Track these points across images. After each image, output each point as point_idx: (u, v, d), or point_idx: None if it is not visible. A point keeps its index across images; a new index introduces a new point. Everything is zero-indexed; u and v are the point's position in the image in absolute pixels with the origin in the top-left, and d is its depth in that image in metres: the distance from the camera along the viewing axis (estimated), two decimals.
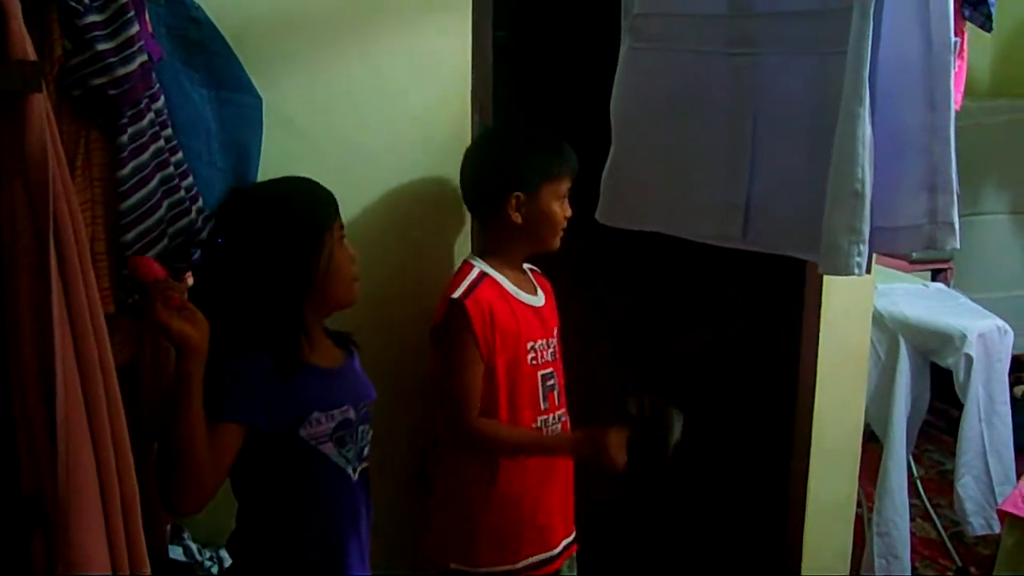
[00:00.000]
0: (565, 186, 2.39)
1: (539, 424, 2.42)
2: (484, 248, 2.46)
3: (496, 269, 2.40)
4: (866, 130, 1.57)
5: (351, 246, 2.00)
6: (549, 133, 2.44)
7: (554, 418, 2.45)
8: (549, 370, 2.44)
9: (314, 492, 1.94)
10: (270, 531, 1.95)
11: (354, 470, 1.99)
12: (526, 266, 2.52)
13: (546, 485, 2.45)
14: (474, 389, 2.33)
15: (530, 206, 2.38)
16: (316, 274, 1.92)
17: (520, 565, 2.43)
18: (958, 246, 1.72)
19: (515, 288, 2.42)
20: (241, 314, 1.90)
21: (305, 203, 1.98)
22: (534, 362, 2.40)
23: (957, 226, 1.69)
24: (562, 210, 2.39)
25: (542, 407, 2.42)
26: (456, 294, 2.32)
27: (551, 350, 2.45)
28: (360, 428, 2.01)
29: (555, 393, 2.46)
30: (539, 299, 2.47)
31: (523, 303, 2.42)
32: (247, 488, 1.95)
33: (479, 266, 2.40)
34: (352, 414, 1.98)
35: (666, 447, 2.43)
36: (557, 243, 2.44)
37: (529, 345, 2.39)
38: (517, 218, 2.38)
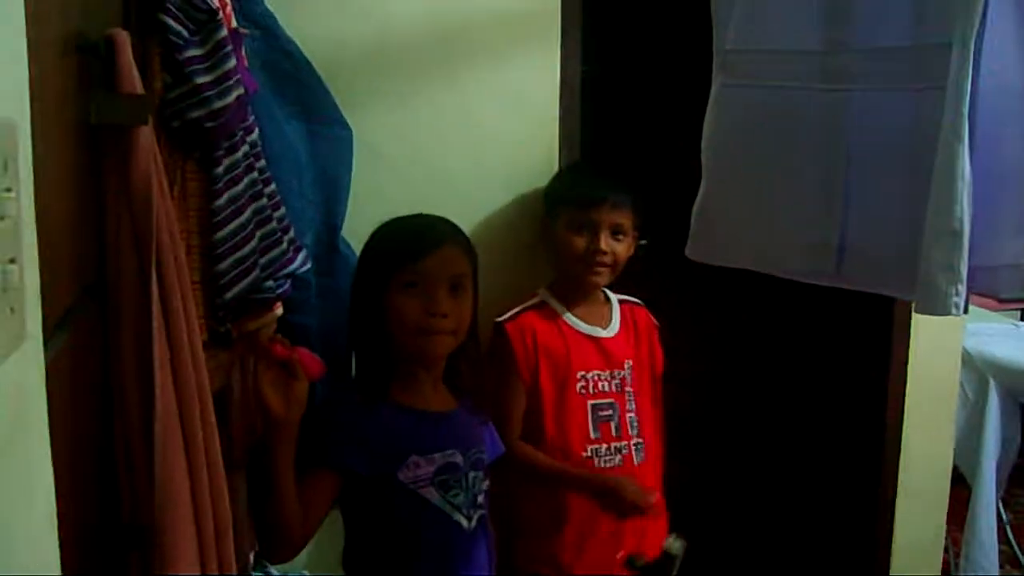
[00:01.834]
0: (584, 216, 2.38)
1: (589, 453, 2.42)
2: (553, 277, 2.50)
3: (557, 297, 2.44)
4: (965, 167, 1.54)
5: (448, 299, 1.93)
6: (596, 162, 2.46)
7: (609, 449, 2.44)
8: (607, 401, 2.43)
9: (420, 538, 1.92)
10: (388, 552, 1.93)
11: (468, 518, 1.95)
12: (620, 297, 2.52)
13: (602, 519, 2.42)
14: (514, 410, 2.38)
15: (551, 232, 2.44)
16: (384, 320, 1.93)
17: None
18: None
19: (574, 317, 2.44)
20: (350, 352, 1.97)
21: (379, 248, 2.00)
22: (583, 391, 2.41)
23: None
24: (590, 242, 2.38)
25: (592, 436, 2.42)
26: (501, 318, 2.39)
27: (616, 382, 2.45)
28: (471, 475, 1.98)
29: (612, 424, 2.44)
30: (608, 331, 2.47)
31: (578, 332, 2.44)
32: (352, 533, 1.95)
33: (541, 295, 2.46)
34: (459, 459, 1.96)
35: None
36: (587, 276, 2.43)
37: (580, 374, 2.40)
38: (543, 243, 2.45)
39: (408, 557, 1.92)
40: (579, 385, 2.40)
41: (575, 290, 2.47)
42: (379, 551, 1.93)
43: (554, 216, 2.43)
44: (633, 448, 2.45)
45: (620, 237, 2.42)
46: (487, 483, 2.05)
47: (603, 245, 2.39)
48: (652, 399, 2.54)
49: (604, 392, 2.43)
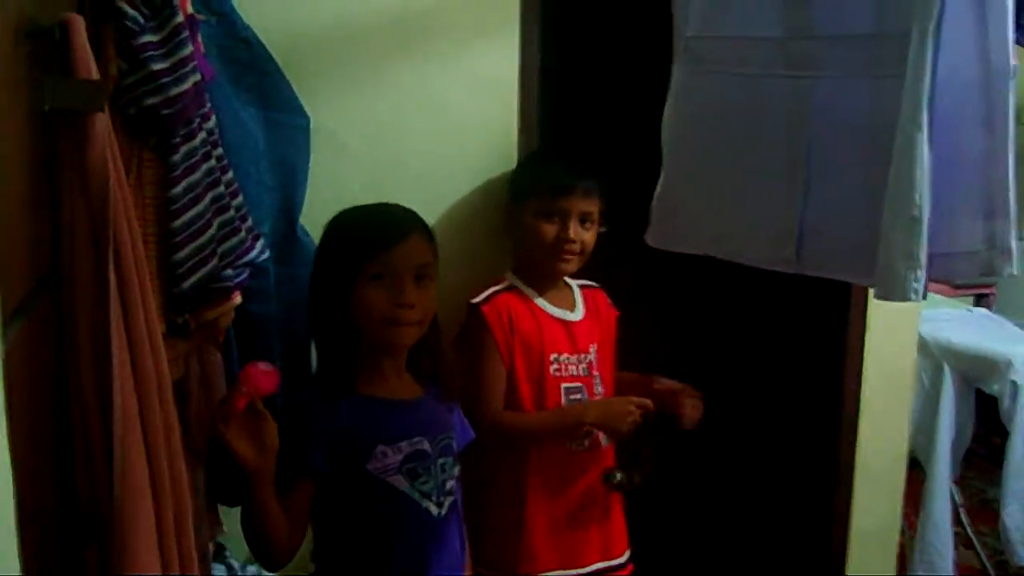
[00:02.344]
0: (553, 204, 2.39)
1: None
2: (516, 260, 2.51)
3: (524, 281, 2.45)
4: (924, 154, 1.55)
5: (414, 290, 1.92)
6: (562, 150, 2.46)
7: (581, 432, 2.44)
8: (577, 384, 2.44)
9: (390, 526, 1.92)
10: (349, 568, 1.94)
11: (438, 505, 1.96)
12: (580, 282, 2.54)
13: (568, 498, 2.45)
14: (495, 385, 2.38)
15: (516, 219, 2.44)
16: (351, 312, 1.92)
17: None
18: (1015, 272, 1.70)
19: (542, 300, 2.45)
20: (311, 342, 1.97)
21: (343, 238, 1.98)
22: (557, 374, 2.42)
23: (1015, 252, 1.67)
24: (559, 230, 2.39)
25: None
26: (476, 300, 2.39)
27: (583, 365, 2.46)
28: (440, 461, 1.98)
29: None
30: (575, 315, 2.49)
31: (549, 315, 2.45)
32: (322, 526, 1.94)
33: (509, 279, 2.46)
34: (427, 446, 1.96)
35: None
36: (556, 263, 2.43)
37: (552, 356, 2.42)
38: (511, 230, 2.46)
39: (379, 546, 1.92)
40: (552, 368, 2.41)
41: (541, 276, 2.47)
42: (350, 541, 1.93)
43: (521, 204, 2.43)
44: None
45: (588, 225, 2.42)
46: (457, 469, 2.05)
47: (572, 234, 2.39)
48: (612, 382, 2.55)
49: (574, 376, 2.44)
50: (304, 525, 1.89)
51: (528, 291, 2.44)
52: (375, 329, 1.93)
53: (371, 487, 1.89)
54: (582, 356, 2.46)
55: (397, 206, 2.04)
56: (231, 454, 1.75)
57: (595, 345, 2.50)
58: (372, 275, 1.91)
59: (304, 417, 1.87)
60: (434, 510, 1.95)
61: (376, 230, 1.96)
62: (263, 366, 1.81)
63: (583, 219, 2.41)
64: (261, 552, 1.85)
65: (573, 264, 2.44)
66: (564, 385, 2.42)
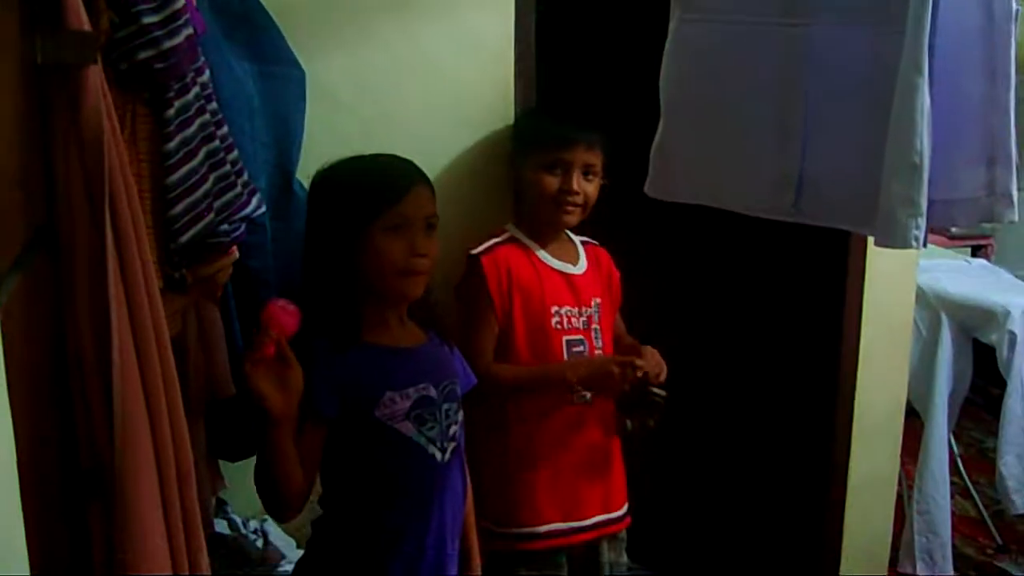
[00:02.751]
0: (556, 156, 2.38)
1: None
2: (516, 213, 2.51)
3: (526, 233, 2.45)
4: (925, 101, 1.54)
5: (425, 240, 1.93)
6: (564, 103, 2.44)
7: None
8: (578, 337, 2.44)
9: (396, 472, 1.93)
10: (356, 512, 1.95)
11: (441, 450, 1.97)
12: (582, 239, 2.54)
13: (570, 452, 2.46)
14: (487, 339, 2.39)
15: (519, 171, 2.44)
16: (362, 262, 1.92)
17: (541, 529, 2.44)
18: (1016, 219, 1.69)
19: (544, 252, 2.45)
20: (305, 295, 1.91)
21: (353, 189, 1.96)
22: (559, 326, 2.42)
23: (1016, 199, 1.66)
24: (562, 182, 2.38)
25: None
26: (475, 251, 2.39)
27: (583, 319, 2.46)
28: (444, 407, 1.99)
29: None
30: (577, 268, 2.49)
31: (551, 267, 2.45)
32: (330, 472, 1.95)
33: (510, 230, 2.46)
34: (433, 392, 1.97)
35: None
36: (556, 216, 2.43)
37: (554, 309, 2.41)
38: (516, 183, 2.46)
39: (385, 490, 1.93)
40: (554, 320, 2.41)
41: (543, 228, 2.47)
42: (356, 486, 1.94)
43: (524, 156, 2.42)
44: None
45: (590, 177, 2.42)
46: (461, 414, 2.06)
47: (575, 185, 2.39)
48: (611, 339, 2.55)
49: (575, 328, 2.44)
50: (315, 471, 1.89)
51: (529, 243, 2.44)
52: (390, 279, 1.93)
53: (379, 433, 1.90)
54: (583, 309, 2.46)
55: (395, 156, 2.04)
56: (257, 399, 1.74)
57: (597, 299, 2.49)
58: (386, 226, 1.90)
59: (312, 364, 1.86)
60: (439, 455, 1.97)
61: (387, 181, 1.95)
62: (284, 303, 1.79)
63: (585, 171, 2.40)
64: (275, 501, 1.85)
65: (575, 216, 2.44)
66: (566, 338, 2.42)
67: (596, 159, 2.41)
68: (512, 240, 2.44)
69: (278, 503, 1.85)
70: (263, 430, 1.78)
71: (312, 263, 1.99)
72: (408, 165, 2.01)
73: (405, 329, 2.03)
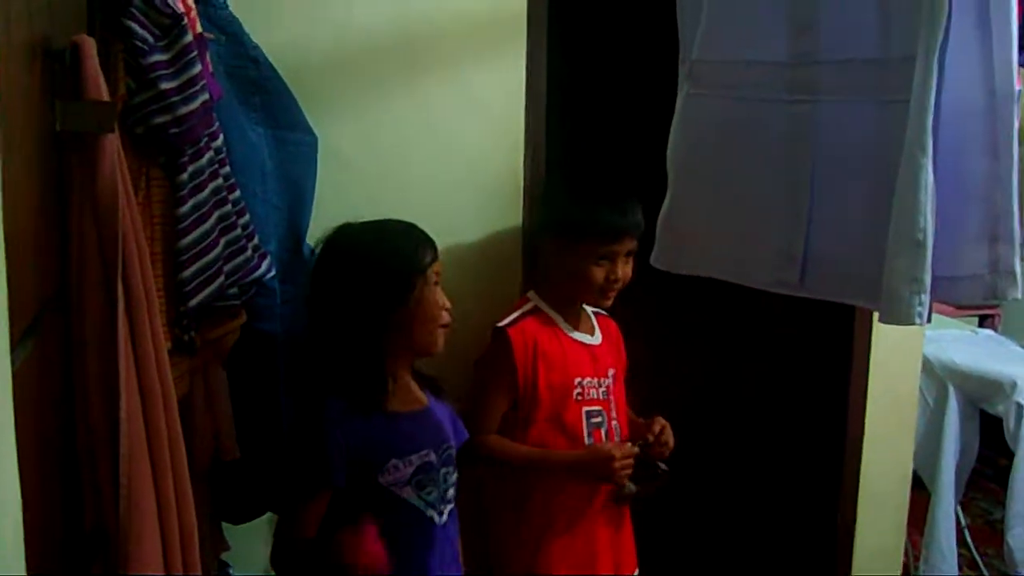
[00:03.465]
0: (608, 248, 2.36)
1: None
2: (542, 284, 2.48)
3: (550, 304, 2.43)
4: (928, 179, 1.55)
5: (442, 294, 2.02)
6: (615, 190, 2.43)
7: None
8: (597, 408, 2.43)
9: (395, 535, 1.93)
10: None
11: (439, 513, 2.00)
12: (591, 308, 2.53)
13: (584, 516, 2.42)
14: (494, 411, 2.37)
15: (566, 257, 2.40)
16: (404, 315, 1.96)
17: None
18: (1020, 296, 1.69)
19: (567, 325, 2.43)
20: (328, 355, 1.96)
21: (400, 242, 2.01)
22: (580, 398, 2.40)
23: (1020, 276, 1.67)
24: (608, 271, 2.37)
25: (586, 443, 2.40)
26: (502, 323, 2.37)
27: (602, 389, 2.44)
28: (443, 471, 2.02)
29: (602, 431, 2.43)
30: (595, 339, 2.48)
31: (574, 340, 2.43)
32: (328, 531, 1.95)
33: (533, 300, 2.44)
34: (433, 457, 2.00)
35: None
36: (600, 301, 2.43)
37: (576, 381, 2.40)
38: (554, 264, 2.42)
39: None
40: (576, 392, 2.39)
41: (568, 303, 2.46)
42: None
43: (570, 244, 2.38)
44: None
45: (628, 260, 2.42)
46: (456, 476, 2.08)
47: (620, 274, 2.39)
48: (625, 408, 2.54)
49: (595, 399, 2.42)
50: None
51: (553, 315, 2.43)
52: (428, 334, 2.00)
53: (381, 498, 1.93)
54: (602, 380, 2.45)
55: (399, 220, 2.10)
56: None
57: (612, 369, 2.49)
58: (427, 283, 1.99)
59: (326, 429, 1.90)
60: (437, 518, 2.00)
61: (426, 239, 2.04)
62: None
63: (627, 254, 2.40)
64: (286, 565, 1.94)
65: (612, 300, 2.44)
66: (585, 408, 2.41)
67: (636, 242, 2.40)
68: (536, 311, 2.42)
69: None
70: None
71: (342, 329, 1.98)
72: (415, 227, 2.08)
73: (411, 391, 2.06)
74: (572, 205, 2.44)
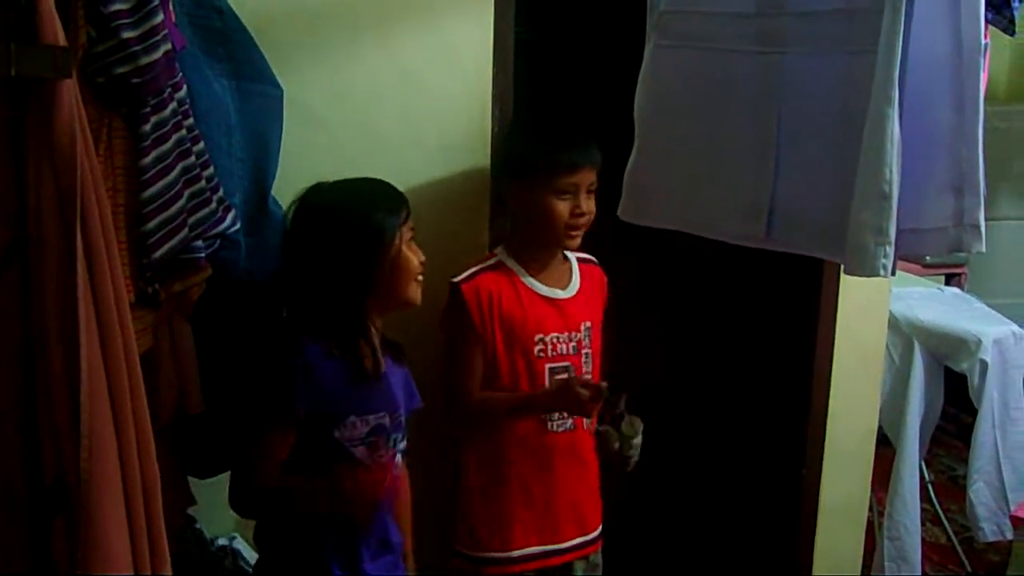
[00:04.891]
0: (567, 180, 2.32)
1: (546, 417, 2.41)
2: (509, 236, 2.48)
3: (515, 258, 2.41)
4: (895, 131, 1.56)
5: (417, 249, 2.06)
6: (568, 125, 2.41)
7: (562, 413, 2.42)
8: (564, 364, 2.41)
9: None
10: (295, 526, 1.98)
11: None
12: (578, 256, 2.52)
13: (547, 475, 2.44)
14: (471, 370, 2.37)
15: (522, 196, 2.39)
16: (382, 271, 1.98)
17: (515, 554, 2.43)
18: (983, 249, 1.70)
19: (531, 279, 2.41)
20: (306, 305, 2.00)
21: (377, 201, 2.03)
22: (541, 354, 2.39)
23: (984, 229, 1.68)
24: (573, 206, 2.34)
25: None
26: (456, 279, 2.37)
27: (572, 344, 2.43)
28: (393, 436, 2.05)
29: None
30: (567, 291, 2.46)
31: (536, 294, 2.41)
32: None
33: (499, 255, 2.43)
34: (387, 421, 2.03)
35: (626, 458, 2.49)
36: (565, 241, 2.39)
37: (537, 337, 2.39)
38: (516, 207, 2.42)
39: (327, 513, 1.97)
40: (537, 348, 2.38)
41: (538, 252, 2.44)
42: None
43: (527, 180, 2.36)
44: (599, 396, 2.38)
45: (591, 195, 2.38)
46: (405, 443, 2.11)
47: (584, 207, 2.35)
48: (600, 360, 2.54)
49: (562, 355, 2.41)
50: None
51: (517, 269, 2.40)
52: (407, 287, 2.04)
53: (333, 453, 1.95)
54: (572, 334, 2.43)
55: (372, 179, 2.12)
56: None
57: (588, 322, 2.47)
58: (404, 240, 2.02)
59: (295, 368, 1.93)
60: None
61: (400, 195, 2.07)
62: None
63: (588, 190, 2.37)
64: (248, 500, 2.01)
65: (579, 239, 2.41)
66: (549, 365, 2.40)
67: (595, 176, 2.38)
68: (499, 266, 2.41)
69: (251, 500, 2.00)
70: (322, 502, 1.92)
71: (323, 275, 2.00)
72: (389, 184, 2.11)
73: (379, 348, 2.06)
74: (528, 140, 2.43)
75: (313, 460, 1.94)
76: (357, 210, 2.02)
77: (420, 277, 2.06)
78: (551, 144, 2.37)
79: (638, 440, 2.47)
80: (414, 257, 2.04)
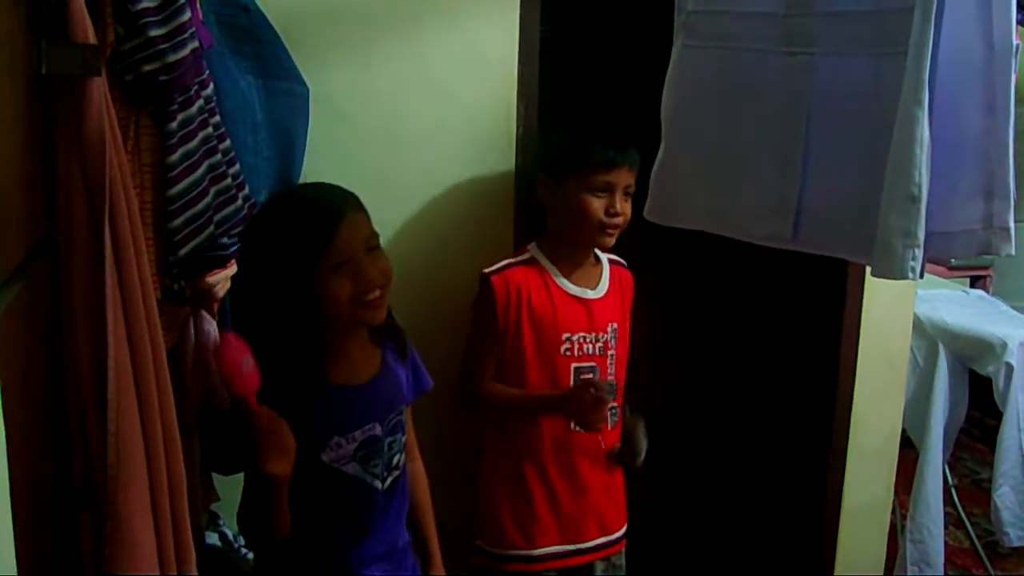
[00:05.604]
0: (604, 178, 2.32)
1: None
2: (544, 235, 2.47)
3: (547, 255, 2.42)
4: (924, 133, 1.55)
5: (371, 266, 1.85)
6: (603, 123, 2.41)
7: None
8: (589, 364, 2.42)
9: (337, 504, 1.93)
10: (298, 536, 1.90)
11: (382, 481, 1.96)
12: (610, 257, 2.52)
13: (571, 475, 2.44)
14: (488, 357, 2.39)
15: (557, 192, 2.39)
16: (328, 283, 1.81)
17: (536, 553, 2.43)
18: (1013, 252, 1.69)
19: (562, 278, 2.42)
20: (261, 331, 1.84)
21: (296, 227, 1.84)
22: (568, 353, 2.40)
23: (1013, 232, 1.66)
24: (608, 204, 2.33)
25: None
26: (488, 270, 2.38)
27: (599, 344, 2.43)
28: (388, 440, 1.96)
29: None
30: (596, 292, 2.46)
31: (566, 292, 2.41)
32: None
33: (532, 251, 2.44)
34: (378, 430, 1.95)
35: (633, 457, 2.51)
36: (598, 239, 2.39)
37: (565, 336, 2.39)
38: (545, 202, 2.42)
39: (325, 518, 1.93)
40: (564, 347, 2.39)
41: (570, 250, 2.44)
42: (296, 514, 1.87)
43: (564, 177, 2.36)
44: (608, 412, 2.41)
45: (627, 198, 2.38)
46: (404, 440, 2.04)
47: (619, 207, 2.35)
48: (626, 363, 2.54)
49: (588, 355, 2.41)
50: None
51: (549, 266, 2.41)
52: (346, 314, 1.86)
53: (323, 474, 1.89)
54: (599, 335, 2.43)
55: (321, 187, 1.96)
56: (264, 469, 1.75)
57: (615, 324, 2.47)
58: (330, 266, 1.82)
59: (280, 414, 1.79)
60: (379, 485, 1.96)
61: (333, 215, 1.84)
62: (236, 358, 1.73)
63: (625, 192, 2.37)
64: (263, 541, 1.91)
65: (614, 239, 2.40)
66: (575, 365, 2.40)
67: (633, 179, 2.37)
68: (531, 262, 2.41)
69: (266, 542, 1.90)
70: (264, 489, 1.78)
71: (264, 309, 1.87)
72: (334, 195, 1.91)
73: (364, 356, 1.98)
74: (567, 136, 2.43)
75: (302, 480, 1.83)
76: (278, 238, 1.85)
77: (378, 292, 1.85)
78: (589, 140, 2.37)
79: (640, 436, 2.47)
80: (342, 282, 1.81)
